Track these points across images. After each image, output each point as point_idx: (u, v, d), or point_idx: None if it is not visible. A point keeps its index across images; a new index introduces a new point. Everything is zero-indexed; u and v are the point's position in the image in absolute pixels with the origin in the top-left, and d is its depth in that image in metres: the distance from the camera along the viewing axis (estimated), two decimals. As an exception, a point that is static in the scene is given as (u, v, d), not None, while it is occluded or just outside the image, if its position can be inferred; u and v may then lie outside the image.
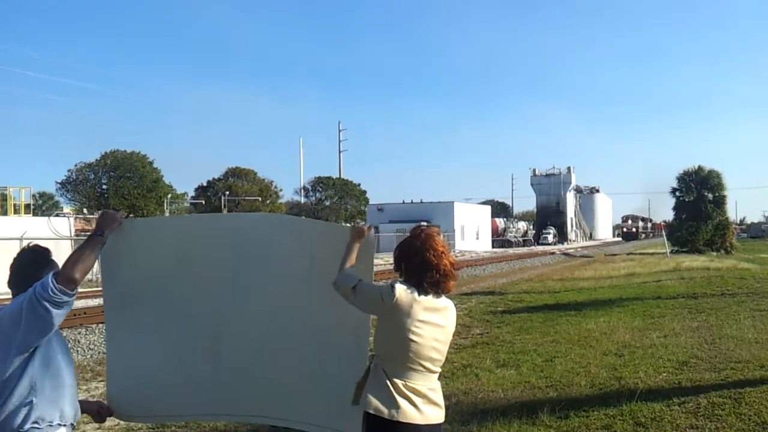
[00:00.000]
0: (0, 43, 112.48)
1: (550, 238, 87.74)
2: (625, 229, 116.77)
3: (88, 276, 3.33)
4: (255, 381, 3.39)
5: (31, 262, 2.93)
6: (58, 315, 2.72)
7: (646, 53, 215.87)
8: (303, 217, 3.79)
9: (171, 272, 3.39)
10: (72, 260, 2.79)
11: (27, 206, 39.73)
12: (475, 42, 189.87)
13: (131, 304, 3.38)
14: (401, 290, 2.96)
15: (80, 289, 3.90)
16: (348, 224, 3.53)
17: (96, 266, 3.18)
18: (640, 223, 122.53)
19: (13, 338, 2.73)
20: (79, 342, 11.99)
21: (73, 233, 30.05)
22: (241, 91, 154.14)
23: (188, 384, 3.40)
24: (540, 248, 67.19)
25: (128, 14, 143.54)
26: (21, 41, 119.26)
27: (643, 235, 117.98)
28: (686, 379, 7.54)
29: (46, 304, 2.67)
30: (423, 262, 3.01)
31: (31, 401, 2.74)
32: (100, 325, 12.88)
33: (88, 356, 11.12)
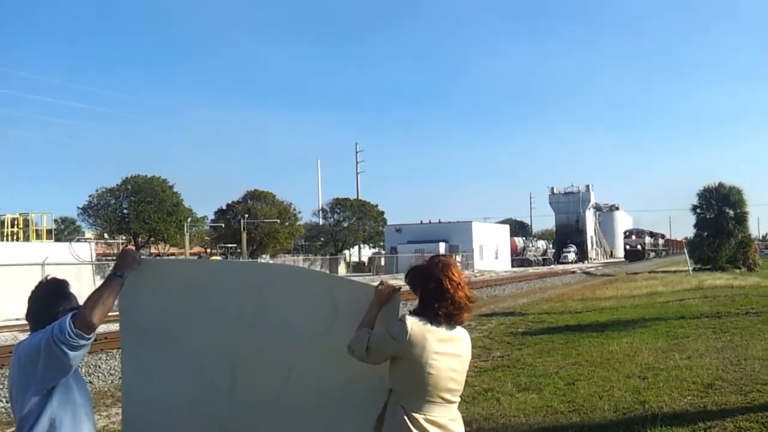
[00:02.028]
0: (21, 69, 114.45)
1: (571, 256, 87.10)
2: (628, 247, 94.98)
3: None
4: (268, 430, 3.35)
5: (48, 297, 2.93)
6: (76, 357, 2.71)
7: (667, 72, 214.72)
8: (327, 272, 3.73)
9: (187, 315, 3.37)
10: (91, 304, 2.76)
11: (49, 231, 40.28)
12: (493, 63, 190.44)
13: (147, 345, 3.36)
14: (413, 324, 2.92)
15: None
16: (374, 284, 3.48)
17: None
18: (648, 239, 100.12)
19: (32, 376, 2.73)
20: (99, 367, 12.03)
21: (94, 258, 30.31)
22: (260, 114, 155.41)
23: (202, 429, 3.37)
24: (560, 267, 66.66)
25: (149, 40, 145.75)
26: (42, 67, 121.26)
27: (653, 254, 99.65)
28: (712, 403, 7.40)
29: (63, 347, 2.66)
30: (438, 292, 2.97)
31: None
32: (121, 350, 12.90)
33: (109, 382, 11.16)
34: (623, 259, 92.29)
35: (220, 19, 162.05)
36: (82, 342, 2.69)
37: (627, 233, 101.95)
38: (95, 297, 2.79)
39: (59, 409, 2.77)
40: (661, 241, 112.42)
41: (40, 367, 2.70)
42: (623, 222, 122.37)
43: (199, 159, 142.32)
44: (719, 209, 48.52)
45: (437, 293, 2.97)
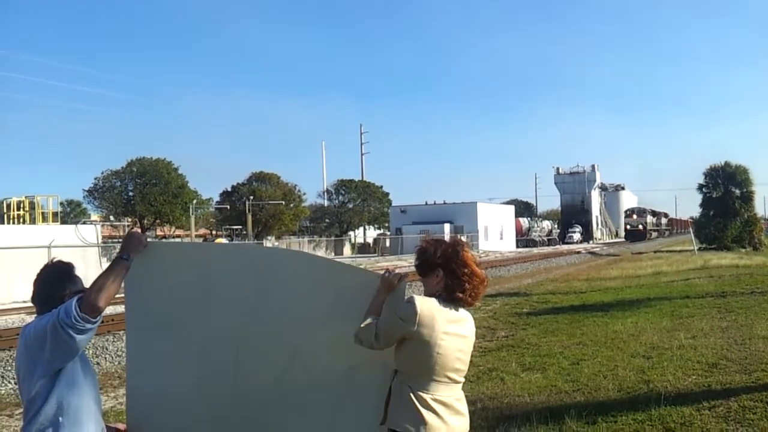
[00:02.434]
0: (27, 54, 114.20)
1: (576, 236, 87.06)
2: (628, 226, 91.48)
3: None
4: (273, 414, 3.36)
5: (54, 279, 2.93)
6: (83, 340, 2.73)
7: (671, 53, 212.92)
8: (332, 259, 3.71)
9: (192, 299, 3.37)
10: (97, 287, 2.76)
11: (55, 214, 40.33)
12: (498, 45, 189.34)
13: (152, 328, 3.37)
14: (422, 304, 2.91)
15: None
16: (380, 272, 3.46)
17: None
18: (650, 219, 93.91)
19: (39, 359, 2.74)
20: (106, 349, 12.12)
21: (100, 240, 30.42)
22: (265, 97, 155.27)
23: (206, 413, 3.38)
24: (565, 247, 66.58)
25: (154, 25, 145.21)
26: (49, 52, 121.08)
27: (655, 234, 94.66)
28: (716, 382, 7.41)
29: (70, 331, 2.67)
30: (452, 274, 2.98)
31: (59, 420, 2.75)
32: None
33: (116, 363, 11.25)
34: (624, 240, 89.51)
35: (224, 3, 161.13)
36: (88, 326, 2.70)
37: (628, 212, 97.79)
38: (101, 280, 2.79)
39: (66, 391, 2.79)
40: (664, 221, 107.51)
41: (47, 350, 2.72)
42: (629, 202, 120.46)
43: (204, 141, 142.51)
44: (725, 188, 48.34)
45: (450, 276, 2.98)
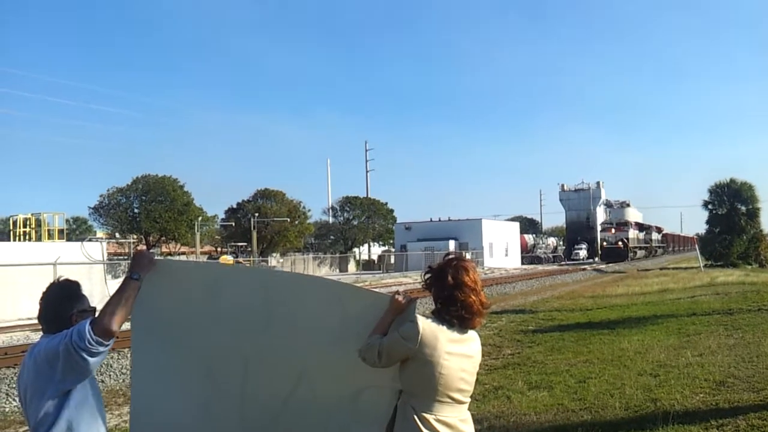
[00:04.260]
0: (32, 71, 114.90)
1: (582, 253, 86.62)
2: (604, 243, 71.94)
3: (103, 303, 3.35)
4: None
5: (60, 298, 2.93)
6: (95, 363, 2.73)
7: (674, 70, 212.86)
8: (340, 281, 3.69)
9: (199, 319, 3.36)
10: (110, 310, 2.75)
11: (61, 231, 40.51)
12: (503, 63, 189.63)
13: (158, 347, 3.35)
14: (424, 324, 2.91)
15: None
16: (390, 294, 3.44)
17: None
18: (633, 233, 74.73)
19: (50, 379, 2.73)
20: (111, 366, 12.10)
21: (105, 257, 30.46)
22: (270, 115, 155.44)
23: None
24: (570, 264, 66.33)
25: (161, 43, 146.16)
26: (54, 70, 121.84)
27: (641, 252, 77.89)
28: (724, 400, 7.36)
29: (83, 354, 2.67)
30: (452, 296, 2.96)
31: None
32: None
33: (120, 381, 11.23)
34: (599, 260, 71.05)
35: (228, 22, 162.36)
36: (102, 348, 2.70)
37: (604, 225, 77.46)
38: (114, 303, 2.79)
39: (76, 411, 2.78)
40: (656, 236, 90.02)
41: (58, 371, 2.71)
42: (635, 219, 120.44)
43: (209, 158, 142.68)
44: (731, 205, 48.31)
45: (450, 296, 2.97)
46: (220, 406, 3.38)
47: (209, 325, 3.37)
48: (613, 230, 73.06)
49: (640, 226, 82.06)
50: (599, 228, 78.33)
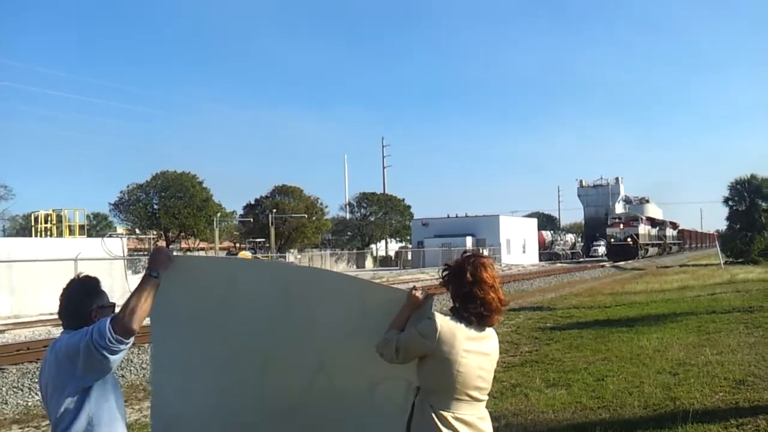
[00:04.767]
0: (53, 69, 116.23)
1: (601, 250, 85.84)
2: (612, 240, 66.93)
3: (124, 298, 3.37)
4: (298, 428, 3.38)
5: (80, 295, 2.97)
6: (116, 360, 2.77)
7: (695, 64, 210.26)
8: (359, 277, 3.71)
9: (218, 313, 3.39)
10: (130, 309, 2.78)
11: (81, 227, 40.92)
12: (520, 57, 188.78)
13: (178, 342, 3.39)
14: (442, 322, 2.91)
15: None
16: (407, 288, 3.46)
17: None
18: (644, 229, 68.38)
19: (71, 376, 2.78)
20: (132, 361, 12.22)
21: (126, 253, 30.74)
22: (288, 110, 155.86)
23: (231, 427, 3.40)
24: (589, 261, 65.77)
25: (181, 39, 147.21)
26: (75, 67, 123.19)
27: (654, 249, 71.35)
28: (744, 399, 7.31)
29: (104, 352, 2.71)
30: (470, 293, 2.96)
31: None
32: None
33: (141, 375, 11.34)
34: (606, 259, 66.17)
35: (247, 18, 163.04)
36: (122, 347, 2.74)
37: (613, 220, 70.68)
38: (134, 301, 2.81)
39: (97, 407, 2.82)
40: (671, 232, 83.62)
41: (79, 368, 2.76)
42: (654, 215, 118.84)
43: (228, 155, 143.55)
44: (751, 201, 47.71)
45: (468, 293, 2.96)
46: (240, 400, 3.41)
47: (228, 319, 3.40)
48: (621, 226, 66.89)
49: (653, 222, 75.81)
50: (608, 223, 71.41)
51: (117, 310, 3.05)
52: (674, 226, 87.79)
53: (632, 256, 61.81)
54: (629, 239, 64.63)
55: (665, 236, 77.92)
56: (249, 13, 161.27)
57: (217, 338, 3.41)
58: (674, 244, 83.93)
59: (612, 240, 66.81)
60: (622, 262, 55.12)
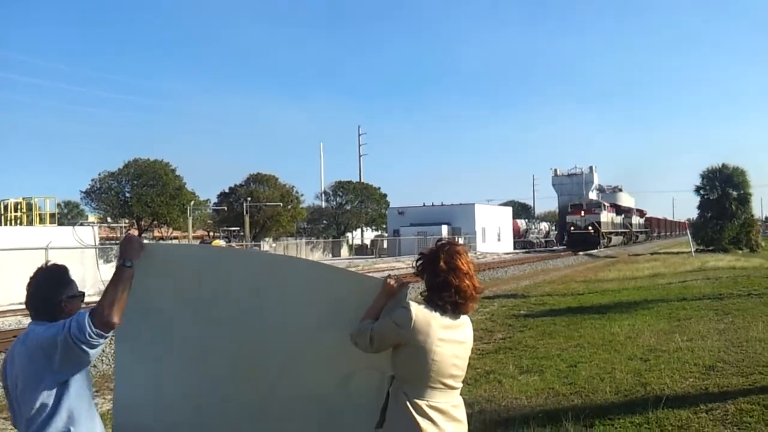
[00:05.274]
0: (26, 54, 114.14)
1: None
2: (572, 228, 61.98)
3: (96, 287, 3.28)
4: (266, 420, 3.33)
5: (49, 284, 2.87)
6: (95, 354, 2.71)
7: (668, 52, 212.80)
8: (333, 265, 3.65)
9: (185, 304, 3.32)
10: (108, 302, 2.72)
11: (52, 216, 40.28)
12: (495, 45, 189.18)
13: (143, 333, 3.31)
14: (417, 310, 2.90)
15: (90, 299, 3.85)
16: (382, 276, 3.43)
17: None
18: (606, 216, 63.75)
19: (46, 369, 2.70)
20: (104, 351, 12.09)
21: (97, 242, 30.38)
22: (263, 99, 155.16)
23: (196, 420, 3.33)
24: (563, 249, 66.31)
25: (152, 26, 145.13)
26: (46, 53, 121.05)
27: (619, 237, 67.59)
28: (713, 385, 7.43)
29: (83, 346, 2.65)
30: (445, 281, 2.95)
31: (69, 430, 2.74)
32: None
33: (112, 366, 11.20)
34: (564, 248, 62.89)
35: (220, 5, 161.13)
36: (102, 340, 2.69)
37: (572, 207, 65.55)
38: (110, 294, 2.75)
39: (76, 400, 2.77)
40: (638, 220, 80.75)
41: (56, 362, 2.69)
42: (627, 203, 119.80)
43: (201, 143, 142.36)
44: (722, 190, 48.52)
45: (443, 281, 2.95)
46: (206, 393, 3.35)
47: (195, 310, 3.33)
48: (582, 213, 61.98)
49: (617, 208, 71.72)
50: (568, 210, 67.00)
51: (86, 298, 2.99)
52: (641, 213, 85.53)
53: (593, 245, 58.14)
54: (590, 227, 60.22)
55: (631, 224, 75.05)
56: (224, 1, 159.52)
57: (184, 330, 3.33)
58: (641, 232, 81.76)
59: (572, 228, 62.08)
60: (585, 251, 53.83)
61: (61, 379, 2.73)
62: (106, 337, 2.70)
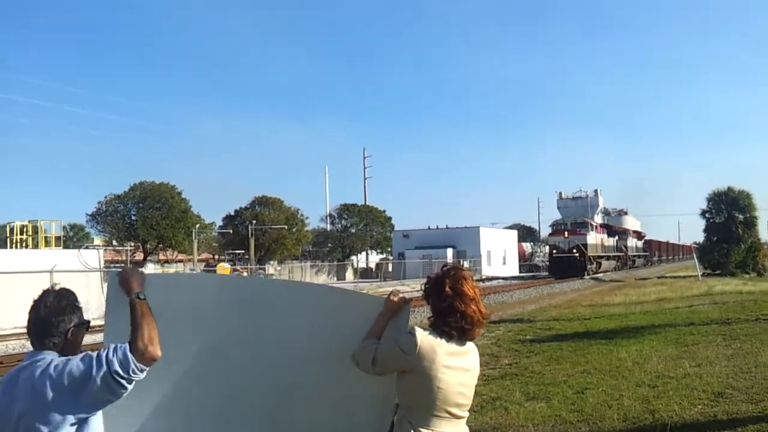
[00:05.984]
0: (30, 76, 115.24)
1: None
2: (554, 252, 52.59)
3: (100, 311, 3.20)
4: None
5: (57, 310, 2.62)
6: (130, 389, 2.58)
7: (674, 77, 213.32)
8: (333, 287, 3.61)
9: (178, 334, 3.17)
10: (146, 338, 2.57)
11: (58, 239, 40.44)
12: (501, 70, 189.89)
13: None
14: (422, 336, 2.87)
15: (95, 323, 3.79)
16: (384, 295, 3.40)
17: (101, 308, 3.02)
18: (595, 238, 54.40)
19: (70, 405, 2.50)
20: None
21: (102, 265, 30.38)
22: (268, 121, 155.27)
23: None
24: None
25: (160, 50, 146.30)
26: (52, 75, 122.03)
27: (612, 262, 59.33)
28: (722, 412, 7.34)
29: (124, 382, 2.51)
30: (450, 307, 2.92)
31: None
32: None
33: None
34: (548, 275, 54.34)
35: (226, 28, 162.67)
36: (142, 375, 2.57)
37: (555, 226, 56.70)
38: (144, 330, 2.60)
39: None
40: (636, 243, 72.98)
41: (86, 397, 2.50)
42: (632, 226, 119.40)
43: (207, 166, 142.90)
44: (728, 213, 48.41)
45: (449, 307, 2.92)
46: (202, 424, 3.24)
47: (189, 340, 3.23)
48: (565, 234, 52.67)
49: (609, 229, 63.25)
50: (550, 231, 59.47)
51: (92, 322, 2.91)
52: (639, 235, 76.88)
53: (579, 271, 49.29)
54: (575, 250, 50.86)
55: (626, 247, 67.04)
56: (229, 24, 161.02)
57: (177, 361, 3.19)
58: (638, 256, 73.16)
59: (554, 251, 52.89)
60: (601, 273, 52.23)
61: (88, 413, 2.55)
62: (145, 371, 2.58)
